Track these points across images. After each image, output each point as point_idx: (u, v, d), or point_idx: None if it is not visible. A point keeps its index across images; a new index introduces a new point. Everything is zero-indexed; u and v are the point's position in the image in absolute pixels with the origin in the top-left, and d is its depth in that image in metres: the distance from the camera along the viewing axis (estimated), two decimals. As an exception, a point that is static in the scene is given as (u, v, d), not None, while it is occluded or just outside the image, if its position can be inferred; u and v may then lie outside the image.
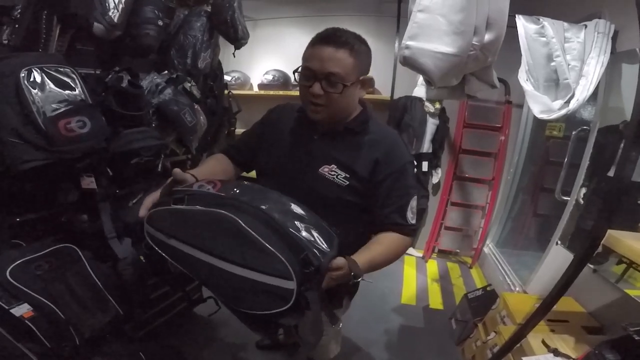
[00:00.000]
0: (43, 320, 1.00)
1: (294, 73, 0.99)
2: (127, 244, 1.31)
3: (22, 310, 0.97)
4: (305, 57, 0.94)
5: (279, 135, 1.09)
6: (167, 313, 1.87)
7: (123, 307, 1.22)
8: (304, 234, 0.72)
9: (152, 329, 1.72)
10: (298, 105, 1.07)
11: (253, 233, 0.68)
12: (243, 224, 0.68)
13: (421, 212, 3.42)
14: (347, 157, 0.98)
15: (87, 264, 1.17)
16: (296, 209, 0.78)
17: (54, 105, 1.08)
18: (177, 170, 0.84)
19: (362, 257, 0.87)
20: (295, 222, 0.73)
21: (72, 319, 1.06)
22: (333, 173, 0.97)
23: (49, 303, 1.02)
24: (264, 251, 0.67)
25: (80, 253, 1.17)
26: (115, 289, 1.21)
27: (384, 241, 0.98)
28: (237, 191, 0.76)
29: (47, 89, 1.07)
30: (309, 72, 0.91)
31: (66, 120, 1.10)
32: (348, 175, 0.97)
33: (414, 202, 1.00)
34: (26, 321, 0.96)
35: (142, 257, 1.25)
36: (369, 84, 1.00)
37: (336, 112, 0.96)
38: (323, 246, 0.74)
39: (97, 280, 1.17)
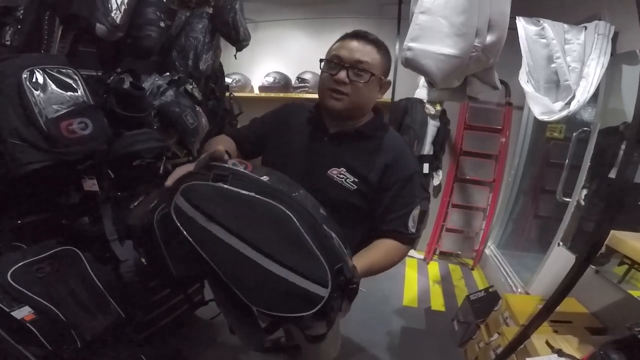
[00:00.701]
0: (44, 322, 0.99)
1: (320, 62, 0.99)
2: (129, 246, 1.30)
3: (23, 312, 0.96)
4: (333, 49, 0.97)
5: (288, 132, 1.08)
6: (168, 315, 1.86)
7: (124, 309, 1.21)
8: (335, 242, 0.70)
9: (153, 331, 1.71)
10: (311, 105, 1.08)
11: (305, 235, 0.64)
12: (298, 224, 0.64)
13: (423, 215, 3.40)
14: (358, 161, 0.98)
15: (88, 266, 1.16)
16: (322, 209, 0.75)
17: (55, 107, 1.07)
18: (220, 148, 0.77)
19: (361, 262, 0.86)
20: (324, 227, 0.70)
21: (74, 322, 1.06)
22: (342, 176, 0.97)
23: (50, 305, 1.02)
24: (311, 255, 0.64)
25: (81, 255, 1.16)
26: (116, 291, 1.21)
27: (383, 247, 0.97)
28: (273, 179, 0.71)
29: (49, 90, 1.06)
30: (337, 59, 0.94)
31: (68, 122, 1.09)
32: (357, 180, 0.97)
33: (416, 212, 1.00)
34: (27, 324, 0.96)
35: (143, 260, 1.25)
36: (386, 87, 1.02)
37: (356, 104, 0.96)
38: (347, 256, 0.74)
39: (98, 283, 1.16)
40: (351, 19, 3.47)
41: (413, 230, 1.00)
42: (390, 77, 3.31)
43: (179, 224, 0.69)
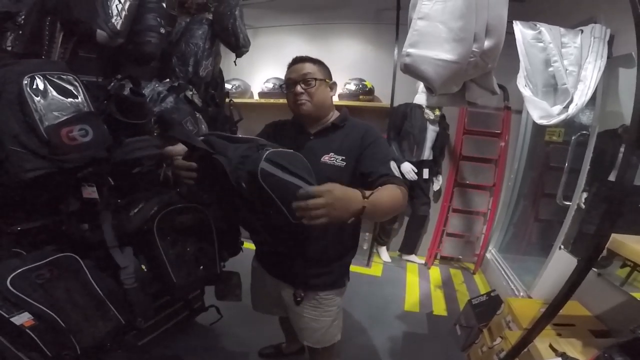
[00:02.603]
0: (44, 329, 0.98)
1: (280, 87, 1.35)
2: (129, 253, 1.30)
3: (22, 319, 0.96)
4: (286, 75, 1.28)
5: (282, 143, 1.25)
6: (168, 322, 1.85)
7: (124, 315, 1.21)
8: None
9: (153, 337, 1.70)
10: (284, 121, 1.40)
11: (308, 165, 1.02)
12: (306, 160, 1.02)
13: (423, 219, 3.41)
14: (339, 144, 1.24)
15: (88, 273, 1.16)
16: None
17: (56, 113, 1.07)
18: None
19: (371, 193, 0.98)
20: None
21: (73, 328, 1.05)
22: (332, 159, 1.22)
23: (50, 312, 1.01)
24: (312, 173, 0.99)
25: (81, 262, 1.16)
26: (116, 298, 1.20)
27: (385, 189, 1.07)
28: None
29: (50, 96, 1.07)
30: (290, 81, 1.26)
31: (68, 129, 1.09)
32: (344, 157, 1.21)
33: (394, 164, 1.17)
34: (27, 330, 0.95)
35: (143, 266, 1.24)
36: (334, 87, 1.33)
37: (317, 103, 1.25)
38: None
39: (98, 289, 1.16)
40: (350, 24, 3.51)
41: (398, 175, 1.15)
42: (389, 83, 3.33)
43: (263, 184, 0.92)
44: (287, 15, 3.68)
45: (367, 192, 0.94)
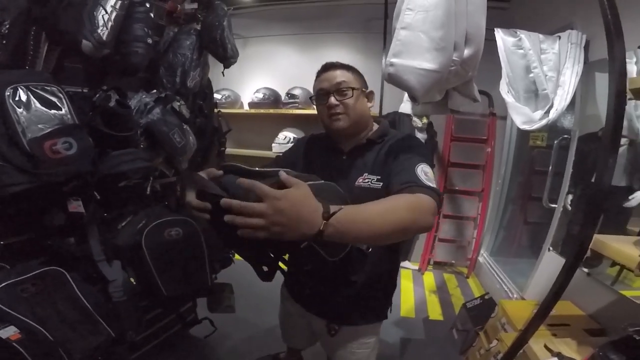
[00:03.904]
0: (31, 342, 0.95)
1: (310, 99, 1.20)
2: (117, 266, 1.27)
3: (8, 332, 0.92)
4: (316, 85, 1.12)
5: (309, 163, 1.18)
6: (161, 335, 1.82)
7: (115, 329, 1.17)
8: None
9: (146, 351, 1.68)
10: (315, 137, 1.24)
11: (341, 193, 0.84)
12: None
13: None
14: (374, 162, 1.07)
15: (75, 286, 1.12)
16: None
17: (39, 126, 1.04)
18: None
19: (343, 207, 0.71)
20: None
21: (62, 341, 1.02)
22: (367, 180, 1.04)
23: (37, 325, 0.98)
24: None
25: (67, 275, 1.12)
26: (105, 311, 1.17)
27: (385, 199, 0.81)
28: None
29: (33, 108, 1.04)
30: (322, 91, 1.09)
31: (52, 142, 1.06)
32: (380, 177, 1.03)
33: (425, 168, 0.92)
34: (14, 343, 0.92)
35: (132, 279, 1.21)
36: (371, 96, 1.16)
37: (354, 116, 1.08)
38: None
39: (86, 303, 1.12)
40: (339, 34, 3.56)
41: (429, 183, 0.87)
42: (377, 91, 3.37)
43: None
44: (277, 25, 3.72)
45: (335, 208, 0.67)
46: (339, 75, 1.07)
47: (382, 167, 1.04)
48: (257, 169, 0.83)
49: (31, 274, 1.05)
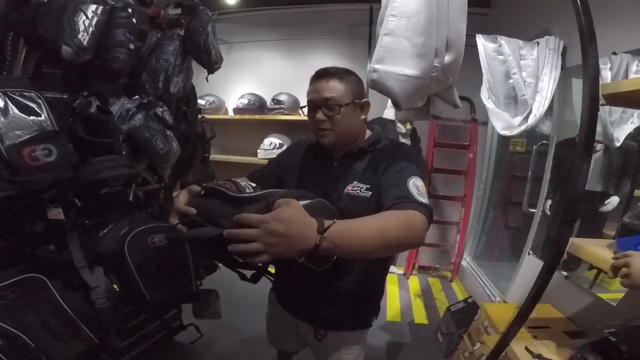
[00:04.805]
0: (12, 349, 0.94)
1: (300, 109, 1.12)
2: (99, 273, 1.24)
3: (-12, 339, 0.90)
4: (307, 94, 1.08)
5: (298, 170, 1.18)
6: (146, 341, 1.80)
7: (98, 335, 1.16)
8: None
9: (131, 357, 1.66)
10: (308, 142, 1.22)
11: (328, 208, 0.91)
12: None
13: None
14: (365, 171, 1.06)
15: (56, 293, 1.11)
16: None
17: (17, 132, 1.03)
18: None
19: (337, 222, 0.73)
20: None
21: (44, 348, 1.01)
22: (356, 188, 1.03)
23: (17, 332, 0.97)
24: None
25: (48, 282, 1.11)
26: (88, 318, 1.15)
27: (378, 215, 0.84)
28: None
29: (11, 114, 1.02)
30: (311, 103, 1.06)
31: (31, 148, 1.05)
32: (369, 186, 1.02)
33: (417, 182, 0.92)
34: (-6, 350, 0.90)
35: (115, 286, 1.19)
36: (366, 106, 1.10)
37: (341, 132, 1.05)
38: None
39: (68, 309, 1.11)
40: (324, 39, 3.57)
41: (420, 198, 0.88)
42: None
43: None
44: (262, 30, 3.72)
45: (328, 223, 0.70)
46: (329, 89, 1.02)
47: (372, 176, 1.03)
48: (241, 195, 0.80)
49: (10, 281, 1.04)
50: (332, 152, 1.12)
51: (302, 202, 0.75)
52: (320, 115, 1.03)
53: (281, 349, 1.41)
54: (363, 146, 1.10)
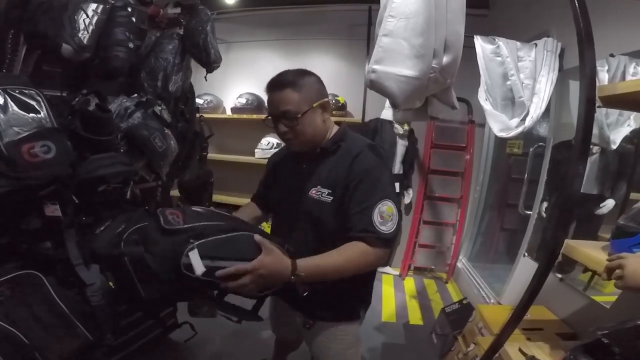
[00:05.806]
0: (6, 345, 0.94)
1: (264, 120, 1.15)
2: (95, 270, 1.24)
3: (-18, 335, 0.90)
4: (267, 106, 1.11)
5: (279, 173, 1.26)
6: (140, 339, 1.80)
7: (93, 333, 1.15)
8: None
9: (125, 355, 1.66)
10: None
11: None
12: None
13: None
14: (326, 175, 1.08)
15: (51, 290, 1.10)
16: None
17: (16, 129, 1.02)
18: None
19: (307, 260, 0.94)
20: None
21: (38, 345, 1.00)
22: (319, 193, 1.07)
23: (11, 328, 0.96)
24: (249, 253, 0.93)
25: (43, 279, 1.10)
26: (83, 315, 1.14)
27: (343, 249, 0.98)
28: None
29: (10, 111, 1.02)
30: (271, 116, 1.09)
31: (30, 145, 1.04)
32: (330, 191, 1.06)
33: (383, 207, 0.98)
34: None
35: (111, 283, 1.19)
36: (327, 106, 1.11)
37: (306, 139, 1.08)
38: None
39: (63, 306, 1.10)
40: (323, 40, 3.58)
41: (382, 227, 0.97)
42: (360, 98, 3.37)
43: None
44: (260, 30, 3.72)
45: (301, 263, 0.91)
46: (284, 101, 1.02)
47: (335, 181, 1.05)
48: (225, 236, 0.91)
49: (5, 278, 1.03)
50: (302, 154, 1.15)
51: (216, 237, 0.90)
52: (281, 128, 1.06)
53: (282, 335, 1.52)
54: (325, 146, 1.11)
